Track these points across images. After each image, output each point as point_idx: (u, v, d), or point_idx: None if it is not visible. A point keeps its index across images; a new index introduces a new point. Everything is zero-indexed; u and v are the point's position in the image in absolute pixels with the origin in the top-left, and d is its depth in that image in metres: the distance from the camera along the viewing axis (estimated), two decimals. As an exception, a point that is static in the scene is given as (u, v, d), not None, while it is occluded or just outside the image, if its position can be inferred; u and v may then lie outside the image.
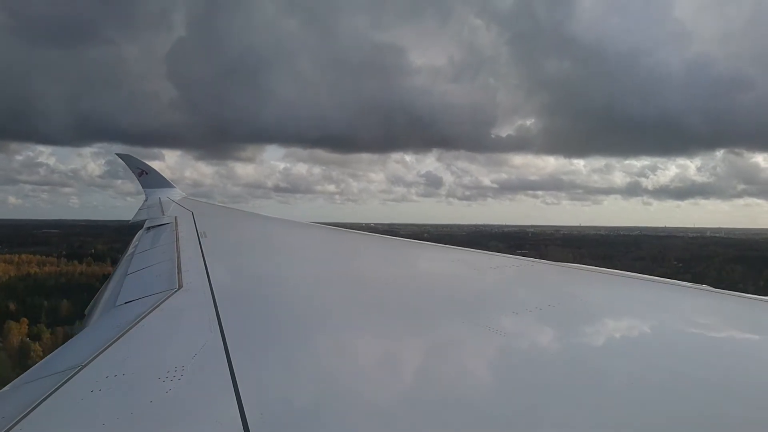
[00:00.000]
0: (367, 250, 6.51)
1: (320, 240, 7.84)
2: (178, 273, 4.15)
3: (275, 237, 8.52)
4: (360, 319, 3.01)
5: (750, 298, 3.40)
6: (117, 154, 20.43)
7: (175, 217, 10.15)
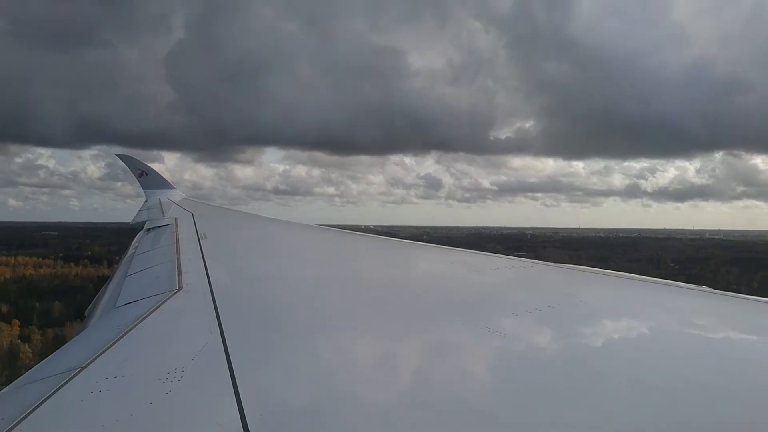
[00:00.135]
0: (366, 252, 6.51)
1: (320, 241, 7.84)
2: (178, 274, 4.15)
3: (275, 238, 8.52)
4: (360, 321, 3.01)
5: (750, 299, 3.39)
6: (117, 155, 20.46)
7: (175, 219, 10.15)
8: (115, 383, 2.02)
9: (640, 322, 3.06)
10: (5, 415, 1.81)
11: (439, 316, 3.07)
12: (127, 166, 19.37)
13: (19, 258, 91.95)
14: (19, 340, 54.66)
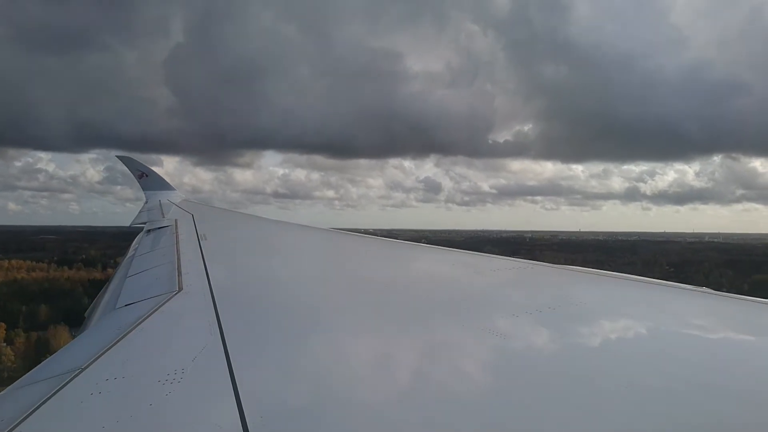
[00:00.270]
0: (366, 253, 6.51)
1: (320, 243, 7.84)
2: (178, 275, 4.15)
3: (275, 240, 8.52)
4: (360, 322, 3.01)
5: (751, 300, 3.39)
6: (117, 156, 20.46)
7: (175, 220, 10.15)
8: (115, 384, 2.02)
9: (639, 324, 3.06)
10: (5, 416, 1.81)
11: (439, 317, 3.07)
12: (127, 168, 19.37)
13: (13, 261, 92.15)
14: (5, 343, 54.89)
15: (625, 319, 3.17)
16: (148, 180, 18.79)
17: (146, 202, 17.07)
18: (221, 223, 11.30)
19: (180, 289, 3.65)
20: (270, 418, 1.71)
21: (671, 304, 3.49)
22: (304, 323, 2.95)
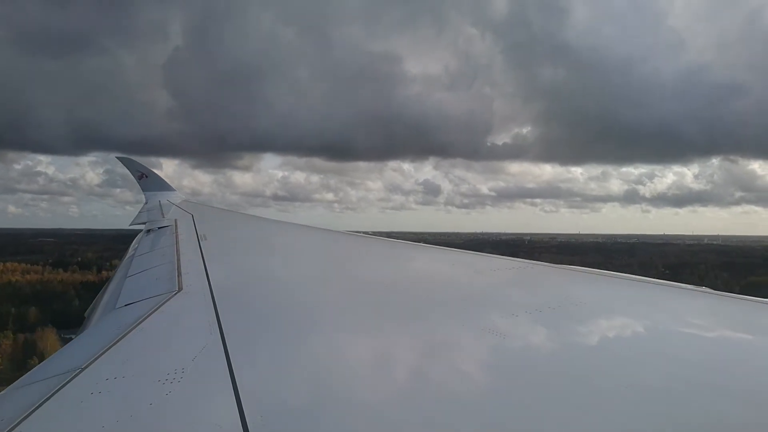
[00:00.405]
0: (366, 253, 6.51)
1: (320, 242, 7.84)
2: (178, 275, 4.15)
3: (275, 239, 8.52)
4: (360, 322, 3.01)
5: (751, 300, 3.39)
6: (117, 157, 20.42)
7: (175, 220, 10.14)
8: (115, 384, 2.02)
9: (640, 323, 3.06)
10: (5, 416, 1.81)
11: (439, 317, 3.07)
12: (127, 168, 19.36)
13: (8, 264, 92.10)
14: (-7, 345, 54.87)
15: (626, 318, 3.17)
16: (147, 181, 18.78)
17: (146, 203, 17.07)
18: (221, 224, 11.29)
19: (180, 289, 3.65)
20: (270, 417, 1.71)
21: (671, 304, 3.49)
22: (304, 323, 2.95)
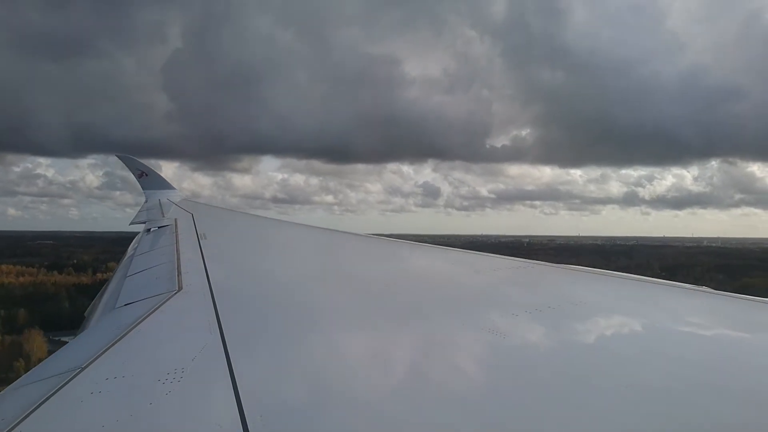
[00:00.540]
0: (366, 252, 6.51)
1: (319, 242, 7.84)
2: (178, 275, 4.14)
3: (275, 239, 8.52)
4: (360, 321, 3.01)
5: (750, 299, 3.39)
6: (117, 155, 20.36)
7: (175, 219, 10.13)
8: (115, 384, 2.02)
9: (640, 323, 3.06)
10: (5, 416, 1.81)
11: (439, 316, 3.07)
12: (127, 167, 19.32)
13: (3, 266, 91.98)
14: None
15: (625, 318, 3.16)
16: (147, 179, 18.75)
17: (146, 201, 17.05)
18: (221, 223, 11.29)
19: (180, 288, 3.65)
20: (270, 417, 1.71)
21: (671, 303, 3.49)
22: (304, 322, 2.95)
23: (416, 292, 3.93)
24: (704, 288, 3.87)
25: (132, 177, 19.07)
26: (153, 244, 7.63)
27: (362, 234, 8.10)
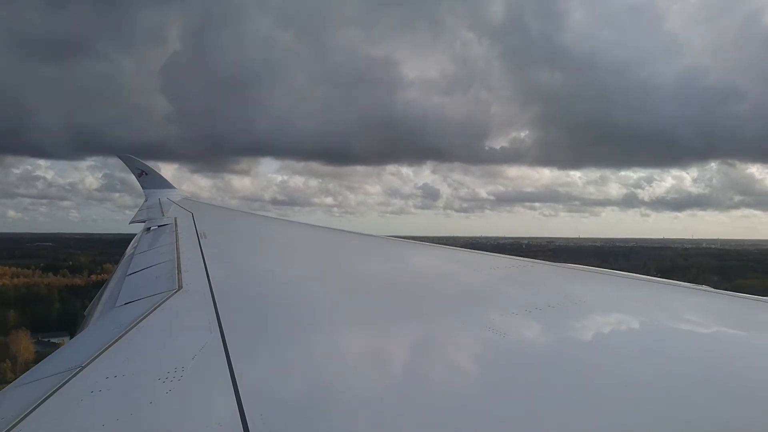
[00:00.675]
0: (366, 251, 6.51)
1: (320, 241, 7.84)
2: (178, 274, 4.14)
3: (275, 238, 8.52)
4: (360, 320, 3.01)
5: (750, 298, 3.40)
6: (117, 155, 20.38)
7: (175, 218, 10.13)
8: (115, 383, 2.02)
9: (640, 321, 3.06)
10: (5, 415, 1.81)
11: (439, 315, 3.07)
12: (127, 166, 19.32)
13: None
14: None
15: (626, 316, 3.17)
16: (147, 178, 18.75)
17: (146, 201, 17.05)
18: (221, 222, 11.29)
19: (180, 287, 3.65)
20: (270, 415, 1.71)
21: (670, 302, 3.49)
22: (304, 321, 2.95)
23: (416, 291, 3.93)
24: (704, 287, 3.87)
25: (131, 178, 19.10)
26: (153, 242, 7.63)
27: (362, 233, 8.10)
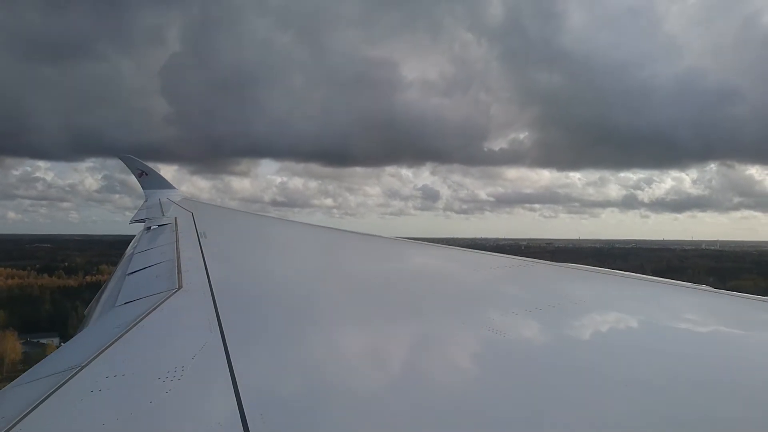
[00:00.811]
0: (366, 250, 6.51)
1: (320, 240, 7.84)
2: (178, 273, 4.14)
3: (275, 237, 8.52)
4: (360, 319, 3.01)
5: (749, 297, 3.40)
6: (118, 156, 20.38)
7: (175, 218, 10.13)
8: (115, 382, 2.02)
9: (640, 321, 3.06)
10: (5, 414, 1.80)
11: (439, 315, 3.07)
12: (127, 166, 19.33)
13: None
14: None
15: (626, 316, 3.17)
16: (147, 179, 18.76)
17: (146, 201, 17.05)
18: (221, 221, 11.29)
19: (180, 286, 3.65)
20: (270, 415, 1.71)
21: (671, 302, 3.49)
22: (304, 321, 2.95)
23: (417, 290, 3.93)
24: (704, 287, 3.88)
25: (131, 179, 19.11)
26: (153, 242, 7.63)
27: (362, 232, 8.10)
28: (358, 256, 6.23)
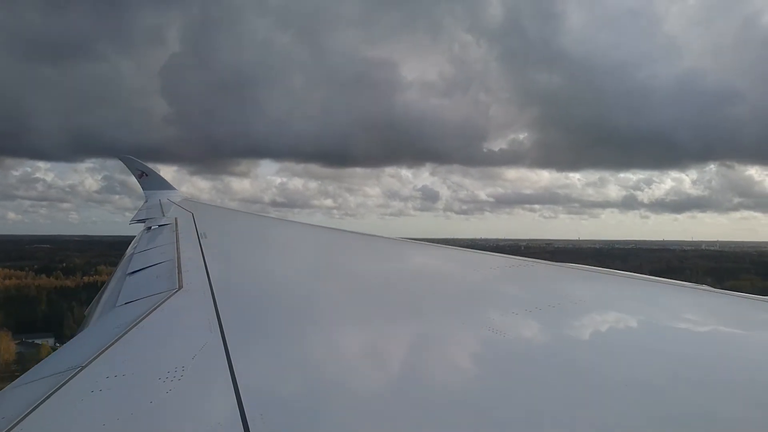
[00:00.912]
0: (366, 250, 6.51)
1: (320, 240, 7.84)
2: (179, 273, 4.14)
3: (275, 237, 8.52)
4: (360, 319, 3.01)
5: (750, 297, 3.40)
6: (118, 156, 20.39)
7: (175, 218, 10.13)
8: (116, 382, 2.02)
9: (640, 321, 3.06)
10: (5, 415, 1.81)
11: (439, 315, 3.07)
12: (128, 167, 19.34)
13: None
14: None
15: (625, 316, 3.17)
16: (148, 179, 18.76)
17: (146, 201, 17.05)
18: (221, 221, 11.29)
19: (180, 287, 3.65)
20: (270, 415, 1.71)
21: (670, 302, 3.49)
22: (304, 321, 2.95)
23: (416, 290, 3.93)
24: (704, 286, 3.88)
25: (131, 180, 19.12)
26: (153, 242, 7.63)
27: (362, 232, 8.10)
28: (358, 256, 6.23)
